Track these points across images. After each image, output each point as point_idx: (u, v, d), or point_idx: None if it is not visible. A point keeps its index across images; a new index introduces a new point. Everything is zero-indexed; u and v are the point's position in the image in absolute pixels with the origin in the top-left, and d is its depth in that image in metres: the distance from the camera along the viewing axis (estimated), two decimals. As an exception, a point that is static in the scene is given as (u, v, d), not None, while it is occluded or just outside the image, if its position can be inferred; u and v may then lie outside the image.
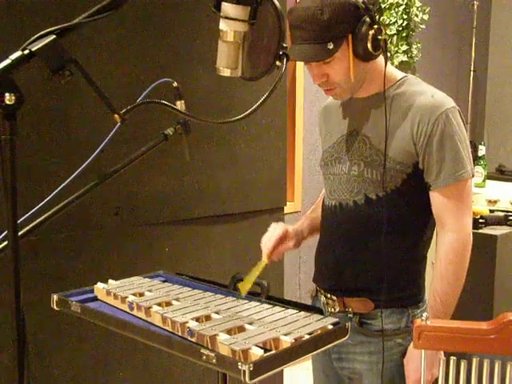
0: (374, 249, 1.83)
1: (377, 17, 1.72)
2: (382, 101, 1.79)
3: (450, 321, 1.23)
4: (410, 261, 1.86)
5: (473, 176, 1.80)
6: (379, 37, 1.70)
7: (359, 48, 1.70)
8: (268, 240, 1.93)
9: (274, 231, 1.95)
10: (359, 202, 1.83)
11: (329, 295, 1.92)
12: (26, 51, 1.02)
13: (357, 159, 1.83)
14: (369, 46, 1.69)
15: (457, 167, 1.74)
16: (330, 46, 1.67)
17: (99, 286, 1.77)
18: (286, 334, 1.37)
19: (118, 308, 1.67)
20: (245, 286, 1.69)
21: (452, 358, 1.27)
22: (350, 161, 1.85)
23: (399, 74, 1.88)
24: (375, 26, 1.69)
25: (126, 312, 1.63)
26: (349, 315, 1.86)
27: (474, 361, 1.25)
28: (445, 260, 1.76)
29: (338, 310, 1.88)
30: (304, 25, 1.68)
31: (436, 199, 1.78)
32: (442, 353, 1.64)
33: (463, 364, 1.26)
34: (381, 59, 1.83)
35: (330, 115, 2.03)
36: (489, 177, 4.51)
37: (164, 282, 1.86)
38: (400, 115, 1.78)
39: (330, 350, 1.93)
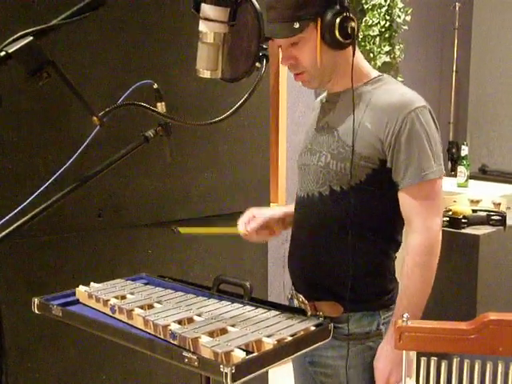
0: (340, 247, 1.79)
1: (349, 7, 1.72)
2: (356, 95, 1.78)
3: (430, 321, 1.23)
4: (377, 261, 1.83)
5: (442, 176, 1.77)
6: (347, 25, 1.70)
7: (326, 33, 1.70)
8: (254, 219, 1.97)
9: (265, 214, 2.00)
10: (324, 194, 1.81)
11: (300, 298, 1.89)
12: (3, 53, 1.01)
13: (325, 151, 1.83)
14: (336, 32, 1.69)
15: (423, 167, 1.72)
16: (296, 25, 1.68)
17: (81, 288, 1.76)
18: (268, 336, 1.38)
19: (99, 311, 1.66)
20: (181, 231, 1.68)
21: (433, 358, 1.27)
22: (319, 152, 1.85)
23: (375, 73, 1.88)
24: (344, 14, 1.69)
25: (107, 315, 1.62)
26: (320, 319, 1.75)
27: (455, 361, 1.25)
28: (411, 262, 1.74)
29: (309, 313, 1.77)
30: (275, 4, 1.71)
31: (403, 199, 1.76)
32: (413, 353, 1.64)
33: (444, 364, 1.26)
34: (357, 53, 1.83)
35: (313, 110, 2.04)
36: (471, 177, 4.53)
37: (146, 284, 1.86)
38: (370, 111, 1.77)
39: (305, 355, 1.88)
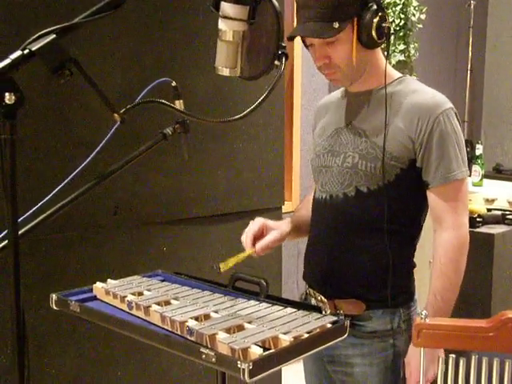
0: (364, 246, 1.82)
1: (383, 6, 1.74)
2: (380, 95, 1.81)
3: (449, 319, 1.23)
4: (401, 260, 1.84)
5: (468, 176, 1.82)
6: (383, 25, 1.72)
7: (363, 33, 1.72)
8: (245, 234, 1.90)
9: (252, 225, 1.91)
10: (349, 195, 1.82)
11: (319, 297, 1.90)
12: (26, 51, 1.03)
13: (351, 152, 1.83)
14: (373, 32, 1.71)
15: (453, 167, 1.76)
16: (336, 25, 1.68)
17: (98, 285, 1.76)
18: (285, 333, 1.38)
19: (117, 307, 1.67)
20: (223, 266, 1.69)
21: (451, 355, 1.28)
22: (344, 153, 1.85)
23: (397, 74, 1.90)
24: (380, 14, 1.71)
25: (124, 311, 1.63)
26: (340, 317, 1.77)
27: (473, 358, 1.25)
28: (444, 258, 1.76)
29: (328, 312, 1.76)
30: (312, 3, 1.70)
31: (433, 198, 1.79)
32: (442, 350, 1.65)
33: (462, 362, 1.26)
34: (380, 54, 1.86)
35: (325, 111, 2.04)
36: (486, 176, 4.51)
37: (162, 281, 1.86)
38: (398, 111, 1.78)
39: (322, 353, 1.91)
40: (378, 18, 1.71)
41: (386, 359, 1.83)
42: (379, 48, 1.83)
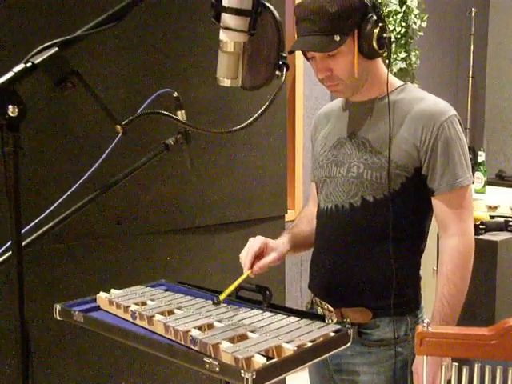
0: (371, 254, 1.83)
1: (383, 16, 1.75)
2: (382, 104, 1.82)
3: (451, 327, 1.23)
4: (407, 268, 1.85)
5: (472, 183, 1.83)
6: (384, 35, 1.73)
7: (364, 44, 1.72)
8: (246, 254, 1.84)
9: (252, 245, 1.85)
10: (355, 205, 1.82)
11: (325, 306, 1.90)
12: (29, 64, 1.03)
13: (356, 161, 1.83)
14: (374, 43, 1.71)
15: (460, 173, 1.76)
16: (337, 38, 1.69)
17: (102, 295, 1.77)
18: (288, 342, 1.38)
19: (120, 317, 1.68)
20: (223, 296, 1.69)
21: (454, 363, 1.28)
22: (348, 163, 1.85)
23: (399, 82, 1.90)
24: (381, 24, 1.72)
25: (128, 321, 1.64)
26: (347, 326, 1.75)
27: (476, 366, 1.25)
28: (451, 264, 1.77)
29: (335, 321, 1.84)
30: (312, 17, 1.70)
31: (438, 205, 1.79)
32: (448, 358, 1.64)
33: (465, 370, 1.27)
34: (381, 64, 1.86)
35: (326, 120, 2.04)
36: (489, 183, 4.51)
37: (166, 290, 1.87)
38: (402, 119, 1.79)
39: (328, 362, 1.92)
40: (378, 29, 1.71)
41: (393, 367, 1.83)
42: (380, 57, 1.83)
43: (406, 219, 1.82)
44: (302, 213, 2.18)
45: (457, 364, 1.27)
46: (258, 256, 1.84)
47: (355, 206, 1.83)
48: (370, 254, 1.83)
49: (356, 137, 1.86)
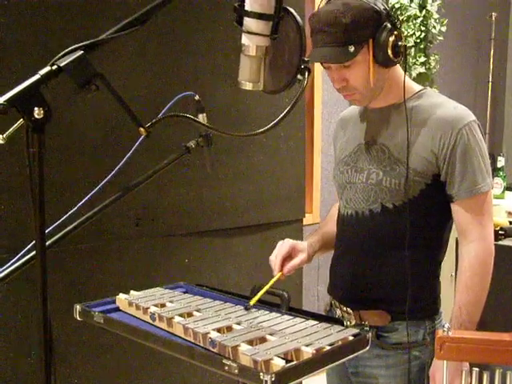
0: (391, 260, 1.83)
1: (398, 24, 1.74)
2: (401, 110, 1.81)
3: (472, 332, 1.23)
4: (426, 273, 1.86)
5: (492, 188, 1.82)
6: (399, 43, 1.72)
7: (379, 53, 1.72)
8: (275, 257, 1.89)
9: (281, 247, 1.91)
10: (375, 211, 1.83)
11: (344, 308, 1.92)
12: (55, 66, 1.05)
13: (375, 168, 1.84)
14: (389, 51, 1.71)
15: (478, 180, 1.75)
16: (351, 48, 1.69)
17: (121, 296, 1.78)
18: (307, 345, 1.38)
19: (139, 319, 1.68)
20: (253, 301, 1.69)
21: (474, 369, 1.27)
22: (368, 170, 1.86)
23: (417, 87, 1.90)
24: (395, 33, 1.72)
25: (147, 323, 1.64)
26: (365, 328, 1.77)
27: (497, 372, 1.24)
28: (470, 271, 1.76)
29: (354, 323, 1.87)
30: (326, 28, 1.70)
31: (458, 211, 1.78)
32: (467, 363, 1.64)
33: (486, 375, 1.26)
34: (399, 69, 1.86)
35: (346, 126, 2.05)
36: (508, 188, 4.48)
37: (185, 292, 1.87)
38: (420, 126, 1.79)
39: (346, 365, 1.93)
40: (393, 37, 1.71)
41: (410, 371, 1.83)
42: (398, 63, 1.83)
43: (426, 226, 1.83)
44: (329, 213, 2.19)
45: (477, 370, 1.27)
46: (287, 258, 1.89)
47: (375, 213, 1.84)
48: (388, 259, 1.84)
49: (375, 143, 1.87)
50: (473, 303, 1.77)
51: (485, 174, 1.77)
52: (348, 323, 1.87)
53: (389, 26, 1.71)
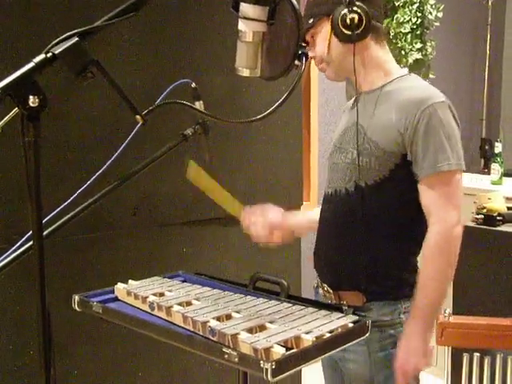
0: (363, 240, 1.88)
1: (357, 3, 1.83)
2: (382, 94, 1.91)
3: (472, 317, 1.22)
4: (400, 254, 1.90)
5: (461, 171, 1.83)
6: (347, 18, 1.81)
7: (336, 28, 1.83)
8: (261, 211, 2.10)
9: (272, 216, 2.11)
10: (350, 190, 1.90)
11: (326, 288, 1.99)
12: (49, 54, 1.04)
13: (352, 148, 1.91)
14: (340, 26, 1.81)
15: (438, 159, 1.78)
16: (310, 20, 1.91)
17: (119, 286, 1.77)
18: (307, 333, 1.37)
19: (138, 308, 1.68)
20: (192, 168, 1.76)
21: (476, 354, 1.27)
22: (346, 149, 1.95)
23: (402, 72, 1.97)
24: (348, 9, 1.80)
25: (146, 312, 1.64)
26: (344, 308, 1.83)
27: (498, 357, 1.24)
28: (428, 251, 1.81)
29: (334, 302, 1.94)
30: (305, 8, 1.97)
31: (421, 191, 1.83)
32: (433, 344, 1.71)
33: (487, 360, 1.26)
34: (383, 53, 1.96)
35: (342, 114, 2.16)
36: (506, 174, 4.47)
37: (183, 281, 1.87)
38: (391, 107, 1.86)
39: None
40: (344, 14, 1.80)
41: (384, 348, 1.88)
42: (379, 46, 1.94)
43: (400, 206, 1.87)
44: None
45: (478, 355, 1.27)
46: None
47: (350, 191, 1.90)
48: (362, 238, 1.88)
49: (355, 125, 1.93)
50: (428, 284, 1.80)
51: (448, 154, 1.78)
52: (329, 302, 1.96)
53: (342, 5, 1.81)
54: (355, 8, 1.80)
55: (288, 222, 2.15)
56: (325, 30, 1.90)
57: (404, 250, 1.91)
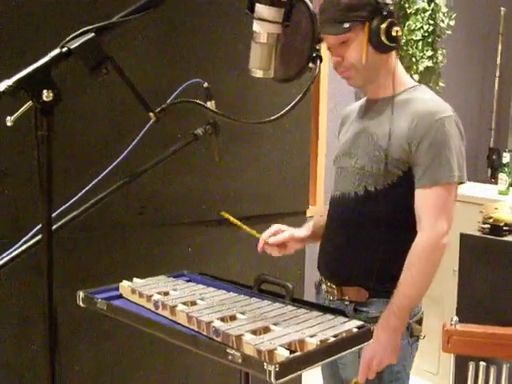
0: (370, 240, 1.96)
1: (395, 14, 1.89)
2: (393, 103, 1.96)
3: (479, 326, 1.22)
4: (404, 255, 1.93)
5: (457, 184, 1.91)
6: (393, 30, 1.86)
7: (373, 36, 1.87)
8: (267, 231, 2.11)
9: (274, 226, 2.13)
10: (359, 194, 1.98)
11: (329, 283, 2.06)
12: (65, 49, 1.04)
13: (361, 154, 1.98)
14: (382, 36, 1.86)
15: (441, 170, 1.86)
16: (346, 25, 1.87)
17: (124, 284, 1.77)
18: (311, 336, 1.37)
19: (142, 306, 1.68)
20: (224, 215, 1.78)
21: (482, 363, 1.26)
22: (356, 155, 2.00)
23: (412, 82, 2.05)
24: (389, 20, 1.86)
25: (150, 311, 1.64)
26: (345, 303, 2.00)
27: (504, 367, 1.24)
28: (413, 257, 1.88)
29: (336, 297, 2.02)
30: (327, 8, 1.90)
31: (417, 198, 1.90)
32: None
33: (493, 370, 1.25)
34: (398, 63, 2.00)
35: (347, 120, 2.21)
36: (512, 184, 4.45)
37: (188, 281, 1.87)
38: (403, 117, 1.93)
39: None
40: (386, 24, 1.85)
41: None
42: (396, 56, 1.99)
43: (406, 210, 1.93)
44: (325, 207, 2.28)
45: (484, 364, 1.26)
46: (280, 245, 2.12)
47: (359, 195, 1.98)
48: (368, 239, 1.97)
49: (366, 131, 2.00)
50: (408, 285, 1.89)
51: (451, 167, 1.87)
52: (331, 297, 2.05)
53: (385, 13, 1.86)
54: (394, 20, 1.86)
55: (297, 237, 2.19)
56: (360, 36, 1.90)
57: (407, 251, 1.94)
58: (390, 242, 1.95)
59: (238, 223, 1.86)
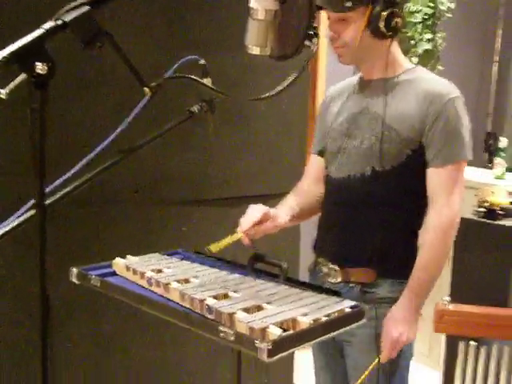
0: (378, 221, 1.96)
1: (401, 5, 1.89)
2: (395, 83, 1.97)
3: (471, 306, 1.23)
4: (409, 235, 1.97)
5: (468, 159, 1.94)
6: (393, 20, 1.86)
7: (372, 22, 1.85)
8: (246, 220, 1.91)
9: (253, 214, 1.92)
10: (366, 174, 1.96)
11: (331, 265, 2.02)
12: (59, 21, 1.02)
13: (368, 134, 1.96)
14: (381, 24, 1.85)
15: (455, 152, 1.89)
16: (348, 4, 1.84)
17: (118, 261, 1.77)
18: (304, 315, 1.38)
19: (136, 283, 1.68)
20: (215, 247, 1.73)
21: (472, 343, 1.27)
22: (361, 136, 1.98)
23: (409, 65, 2.05)
24: (391, 9, 1.85)
25: (144, 287, 1.64)
26: (350, 285, 1.97)
27: (494, 347, 1.24)
28: (432, 235, 1.89)
29: (339, 280, 1.99)
30: None
31: (430, 177, 1.91)
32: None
33: (483, 350, 1.26)
34: (394, 44, 1.99)
35: (336, 100, 2.16)
36: (509, 169, 4.45)
37: (182, 259, 1.87)
38: (412, 96, 1.93)
39: None
40: (387, 12, 1.84)
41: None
42: (394, 39, 1.96)
43: (414, 190, 1.95)
44: (298, 188, 2.26)
45: (475, 344, 1.27)
46: (257, 224, 1.91)
47: (366, 176, 1.96)
48: (376, 219, 1.96)
49: (368, 112, 1.99)
50: (429, 266, 1.89)
51: (464, 145, 1.90)
52: (334, 280, 2.01)
53: (389, 1, 1.84)
54: (396, 10, 1.85)
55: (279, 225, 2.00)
56: (360, 18, 1.87)
57: (414, 231, 1.98)
58: (398, 222, 1.96)
59: (226, 243, 1.80)
